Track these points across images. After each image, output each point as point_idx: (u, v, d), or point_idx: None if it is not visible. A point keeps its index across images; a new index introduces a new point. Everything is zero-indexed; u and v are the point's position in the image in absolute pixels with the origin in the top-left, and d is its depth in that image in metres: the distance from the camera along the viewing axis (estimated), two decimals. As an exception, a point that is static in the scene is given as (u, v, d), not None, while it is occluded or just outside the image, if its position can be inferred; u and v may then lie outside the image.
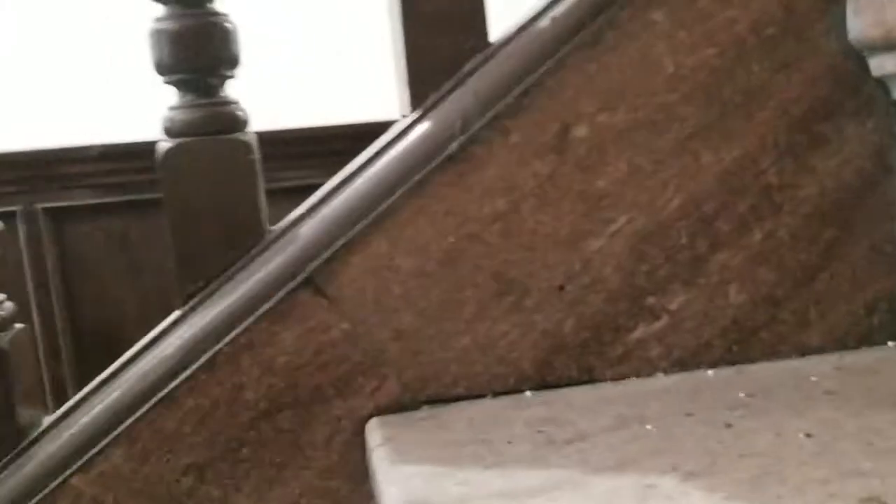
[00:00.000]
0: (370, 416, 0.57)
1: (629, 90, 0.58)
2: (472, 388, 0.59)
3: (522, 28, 0.59)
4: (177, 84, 0.58)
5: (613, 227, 0.59)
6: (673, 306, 0.61)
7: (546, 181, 0.58)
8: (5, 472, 0.57)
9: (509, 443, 0.49)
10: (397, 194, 0.56)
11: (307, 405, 0.57)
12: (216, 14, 0.58)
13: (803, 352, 0.61)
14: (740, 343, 0.61)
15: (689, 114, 0.59)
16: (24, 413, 0.59)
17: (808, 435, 0.45)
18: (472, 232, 0.57)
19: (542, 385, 0.60)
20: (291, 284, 0.56)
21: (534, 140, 0.57)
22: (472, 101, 0.57)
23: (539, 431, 0.51)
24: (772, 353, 0.61)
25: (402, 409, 0.58)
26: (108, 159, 1.58)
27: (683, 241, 0.60)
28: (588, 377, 0.60)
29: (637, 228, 0.60)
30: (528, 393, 0.59)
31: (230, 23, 0.59)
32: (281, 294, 0.56)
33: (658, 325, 0.61)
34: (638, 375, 0.61)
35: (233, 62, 0.59)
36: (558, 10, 0.58)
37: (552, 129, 0.57)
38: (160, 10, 0.58)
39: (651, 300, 0.60)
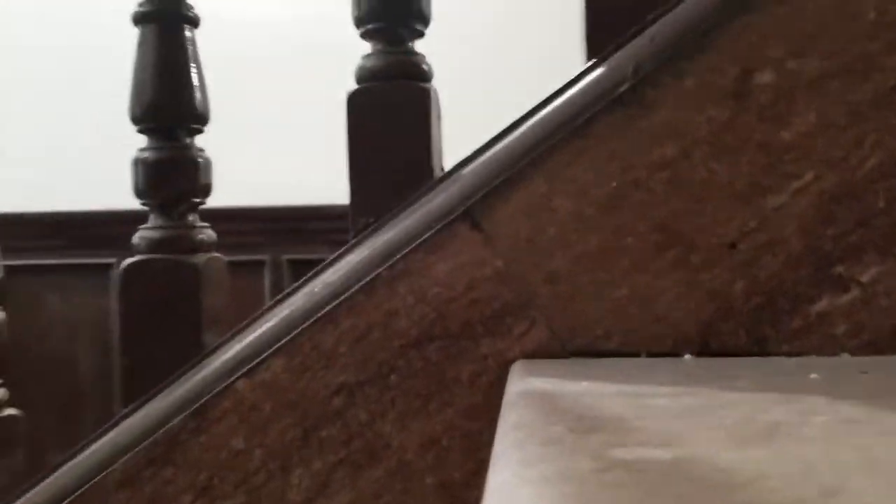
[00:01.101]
0: (516, 360, 0.56)
1: (823, 36, 0.54)
2: (626, 345, 0.56)
3: (707, -20, 0.57)
4: (369, 34, 0.63)
5: (798, 184, 0.54)
6: (865, 278, 0.54)
7: (722, 128, 0.55)
8: (183, 378, 0.62)
9: (649, 375, 0.46)
10: (560, 135, 0.56)
11: (456, 339, 0.57)
12: (411, -28, 0.63)
13: None
14: (951, 330, 0.53)
15: (893, 64, 0.53)
16: (208, 335, 0.65)
17: None
18: (637, 178, 0.56)
19: (705, 351, 0.55)
20: (449, 217, 0.57)
21: (711, 84, 0.55)
22: (648, 45, 0.56)
23: (686, 374, 0.47)
24: None
25: (550, 356, 0.56)
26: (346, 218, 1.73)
27: (881, 204, 0.54)
28: (759, 348, 0.55)
29: (825, 187, 0.54)
30: (687, 356, 0.55)
31: (424, -17, 0.63)
32: (439, 226, 0.57)
33: (846, 298, 0.54)
34: (819, 353, 0.54)
35: (423, 18, 0.63)
36: (747, -41, 0.56)
37: (732, 73, 0.55)
38: (361, -31, 0.63)
39: (839, 269, 0.54)
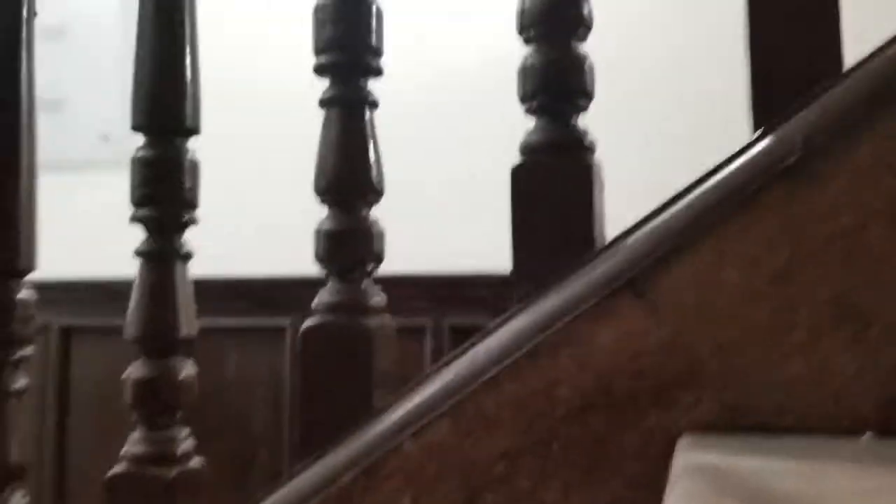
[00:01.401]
0: (683, 433, 0.55)
1: None
2: (800, 422, 0.54)
3: (881, 49, 0.56)
4: (534, 111, 0.66)
5: None
6: None
7: (901, 200, 0.53)
8: (354, 436, 0.65)
9: (826, 453, 0.44)
10: (727, 206, 0.56)
11: (620, 410, 0.57)
12: (576, 53, 0.65)
13: None
14: None
15: None
16: (377, 395, 0.68)
17: None
18: (809, 250, 0.54)
19: (887, 431, 0.52)
20: (612, 286, 0.57)
21: (886, 154, 0.53)
22: (817, 117, 0.55)
23: (865, 454, 0.45)
24: None
25: (719, 430, 0.55)
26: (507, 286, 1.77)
27: None
28: (950, 432, 0.51)
29: None
30: (866, 436, 0.52)
31: (588, 61, 0.65)
32: (602, 294, 0.58)
33: None
34: None
35: (586, 94, 0.65)
36: (925, 27, 0.55)
37: (910, 143, 0.53)
38: (527, 50, 0.66)
39: None
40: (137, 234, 0.74)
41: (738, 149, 0.58)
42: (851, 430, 0.53)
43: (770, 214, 0.55)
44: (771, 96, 0.59)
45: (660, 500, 0.54)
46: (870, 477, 0.36)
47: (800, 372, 0.54)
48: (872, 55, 0.57)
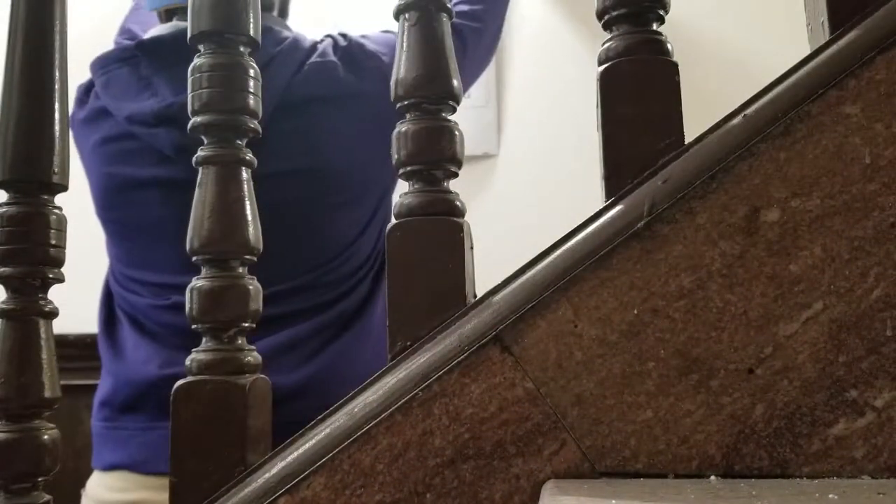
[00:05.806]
0: (547, 481, 0.59)
1: (824, 178, 0.59)
2: (653, 466, 0.58)
3: (716, 126, 0.63)
4: (408, 175, 0.69)
5: (808, 313, 0.58)
6: (878, 403, 0.57)
7: (734, 262, 0.59)
8: (226, 496, 0.65)
9: (675, 494, 0.49)
10: (583, 266, 0.61)
11: (489, 459, 0.60)
12: (447, 121, 0.69)
13: None
14: (966, 453, 0.55)
15: (891, 203, 0.58)
16: (251, 457, 0.68)
17: None
18: (656, 307, 0.60)
19: (730, 473, 0.57)
20: (482, 341, 0.61)
21: (722, 221, 0.60)
22: (661, 186, 0.61)
23: (710, 494, 0.50)
24: None
25: (579, 476, 0.58)
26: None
27: (888, 332, 0.57)
28: (781, 471, 0.57)
29: (834, 316, 0.58)
30: (712, 478, 0.57)
31: (458, 130, 0.70)
32: (472, 349, 0.61)
33: (862, 421, 0.57)
34: (839, 476, 0.56)
35: (455, 160, 0.69)
36: (750, 109, 0.62)
37: (741, 211, 0.60)
38: (402, 119, 0.70)
39: (853, 394, 0.57)
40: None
41: (592, 214, 0.64)
42: (700, 472, 0.58)
43: (620, 274, 0.60)
44: (620, 168, 0.65)
45: (527, 546, 0.57)
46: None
47: (651, 419, 0.59)
48: (707, 132, 0.63)
